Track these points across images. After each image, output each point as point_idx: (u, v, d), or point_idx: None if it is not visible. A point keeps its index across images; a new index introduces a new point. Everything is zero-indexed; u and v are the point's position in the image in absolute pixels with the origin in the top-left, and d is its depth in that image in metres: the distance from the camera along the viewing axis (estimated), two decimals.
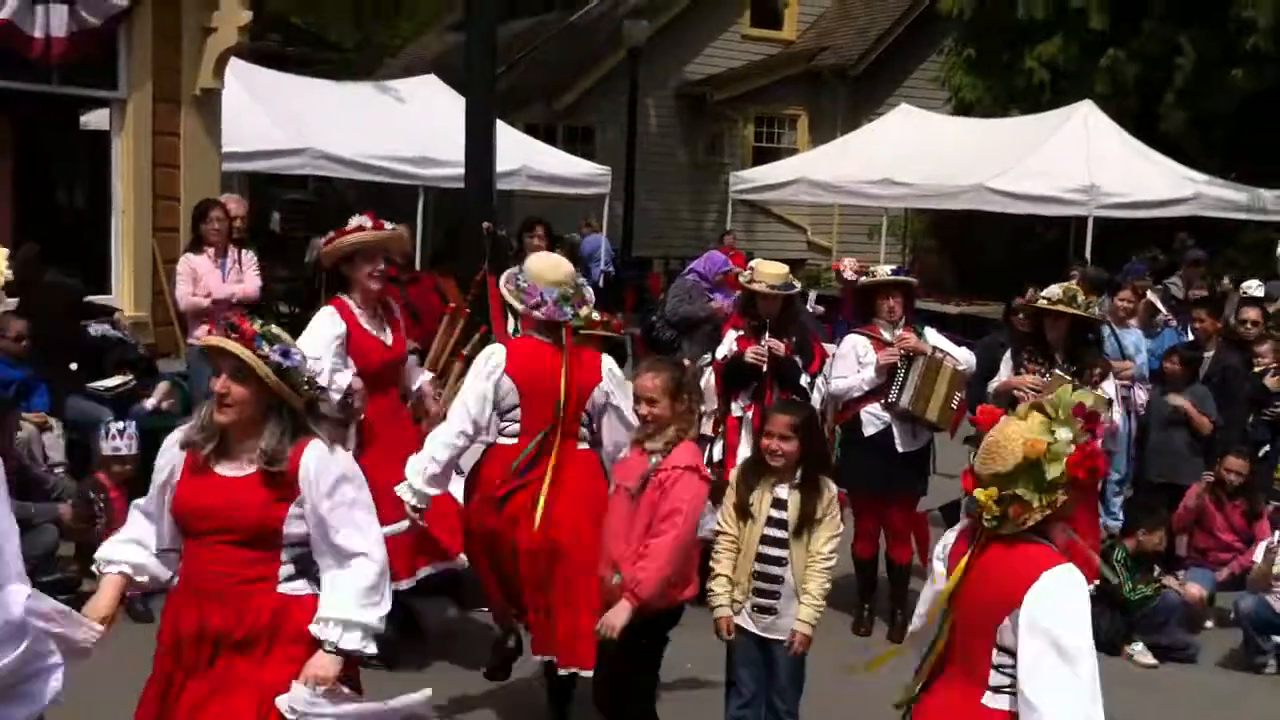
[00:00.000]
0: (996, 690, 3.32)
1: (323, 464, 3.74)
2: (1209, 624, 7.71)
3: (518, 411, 5.21)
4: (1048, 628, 3.16)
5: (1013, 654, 3.23)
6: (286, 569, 3.78)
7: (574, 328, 5.45)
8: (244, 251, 9.08)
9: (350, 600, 3.73)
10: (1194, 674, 7.18)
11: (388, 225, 5.95)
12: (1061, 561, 3.24)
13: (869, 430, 7.29)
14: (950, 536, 3.62)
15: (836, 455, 7.47)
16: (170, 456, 3.89)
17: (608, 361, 5.39)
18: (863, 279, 7.55)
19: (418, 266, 13.83)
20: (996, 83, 21.08)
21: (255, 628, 3.71)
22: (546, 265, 5.41)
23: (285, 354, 3.74)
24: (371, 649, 3.79)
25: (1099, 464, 3.33)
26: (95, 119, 9.77)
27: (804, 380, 7.36)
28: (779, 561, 4.89)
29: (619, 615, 4.64)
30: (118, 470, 7.06)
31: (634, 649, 4.79)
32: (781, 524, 4.89)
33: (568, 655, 5.09)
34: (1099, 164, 15.97)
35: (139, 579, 3.92)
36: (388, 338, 5.91)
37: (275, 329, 3.82)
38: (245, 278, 8.92)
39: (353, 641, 3.72)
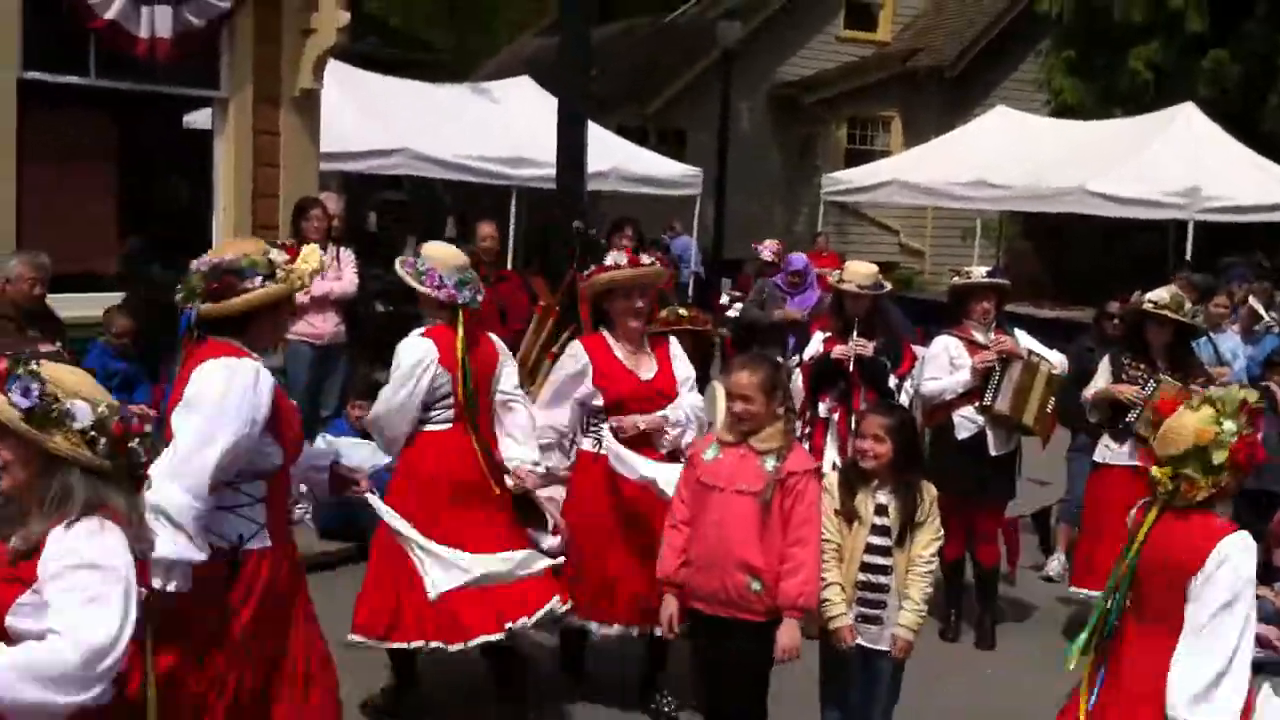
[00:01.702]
0: None
1: (59, 548, 2.94)
2: None
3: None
4: (1223, 585, 3.64)
5: None
6: None
7: (667, 320, 5.72)
8: (342, 249, 9.23)
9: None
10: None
11: (644, 260, 5.85)
12: (1235, 529, 3.76)
13: (962, 434, 7.23)
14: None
15: (926, 457, 7.40)
16: None
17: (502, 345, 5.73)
18: (956, 279, 7.49)
19: (509, 265, 13.98)
20: (1098, 84, 20.77)
21: None
22: (445, 252, 5.61)
23: (25, 392, 2.96)
24: None
25: (1258, 453, 3.82)
26: (198, 118, 9.95)
27: (892, 382, 7.32)
28: (884, 570, 4.80)
29: (792, 634, 4.58)
30: None
31: (751, 666, 4.74)
32: (885, 530, 4.82)
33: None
34: (1200, 167, 15.67)
35: None
36: (647, 371, 5.82)
37: (35, 366, 3.03)
38: (343, 275, 9.08)
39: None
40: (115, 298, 8.70)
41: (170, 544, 3.52)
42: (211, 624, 3.74)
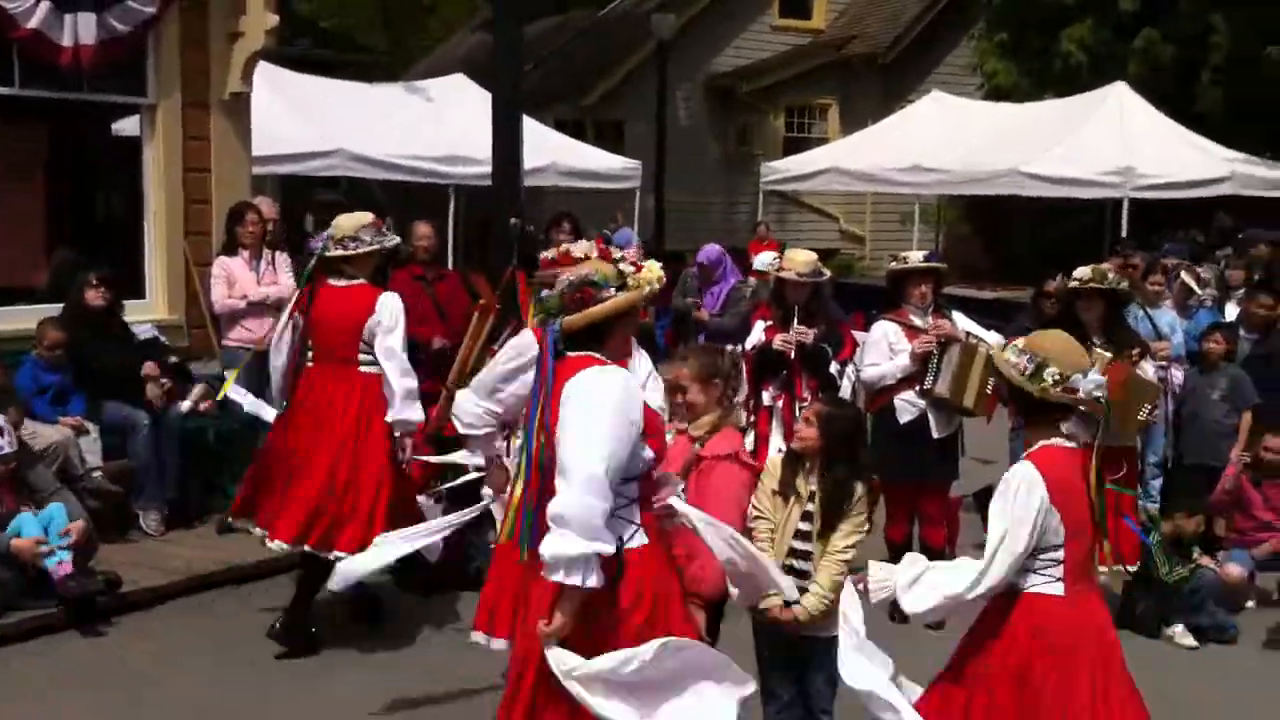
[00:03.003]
0: None
1: None
2: (1250, 604, 7.63)
3: None
4: None
5: None
6: None
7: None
8: (277, 253, 9.15)
9: None
10: (1235, 655, 7.12)
11: (614, 253, 5.72)
12: None
13: (904, 418, 7.27)
14: None
15: (869, 443, 7.43)
16: None
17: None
18: (893, 264, 7.53)
19: (450, 264, 13.91)
20: (1031, 66, 20.95)
21: None
22: (352, 216, 6.44)
23: None
24: None
25: None
26: (126, 125, 9.83)
27: (833, 368, 7.35)
28: (807, 555, 4.77)
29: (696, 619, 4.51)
30: None
31: None
32: (811, 515, 4.80)
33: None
34: (1133, 146, 15.87)
35: None
36: None
37: None
38: (279, 279, 8.99)
39: None
40: (46, 310, 8.56)
41: (579, 544, 3.64)
42: (606, 623, 3.83)
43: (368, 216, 6.54)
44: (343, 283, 6.40)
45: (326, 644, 6.49)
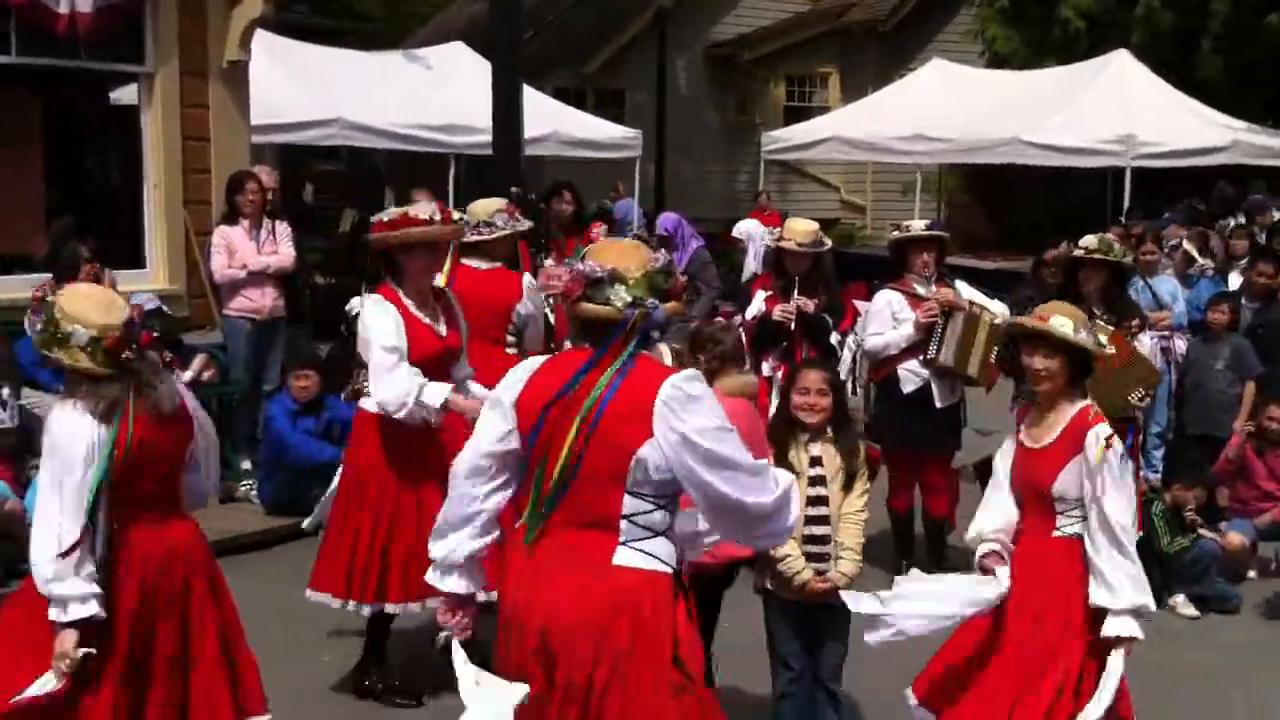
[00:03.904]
0: None
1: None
2: (1251, 574, 7.65)
3: None
4: None
5: None
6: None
7: None
8: (277, 223, 9.12)
9: (41, 569, 3.78)
10: (1237, 624, 7.13)
11: (455, 215, 5.67)
12: None
13: (907, 387, 7.26)
14: None
15: (871, 412, 7.44)
16: None
17: None
18: (895, 233, 7.51)
19: None
20: (1031, 34, 20.84)
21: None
22: (486, 201, 6.63)
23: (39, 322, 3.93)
24: (85, 612, 3.78)
25: None
26: (124, 94, 9.77)
27: (834, 338, 7.34)
28: (824, 520, 4.81)
29: None
30: None
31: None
32: (820, 480, 4.83)
33: None
34: (1135, 113, 15.81)
35: None
36: (441, 328, 5.57)
37: (53, 297, 4.01)
38: (279, 249, 8.96)
39: (63, 614, 3.77)
40: (46, 278, 8.53)
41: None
42: None
43: (500, 201, 6.66)
44: (484, 265, 6.49)
45: (332, 616, 6.46)
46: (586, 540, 3.45)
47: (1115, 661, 4.16)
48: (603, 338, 3.47)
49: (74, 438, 3.79)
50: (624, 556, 3.44)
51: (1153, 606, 4.30)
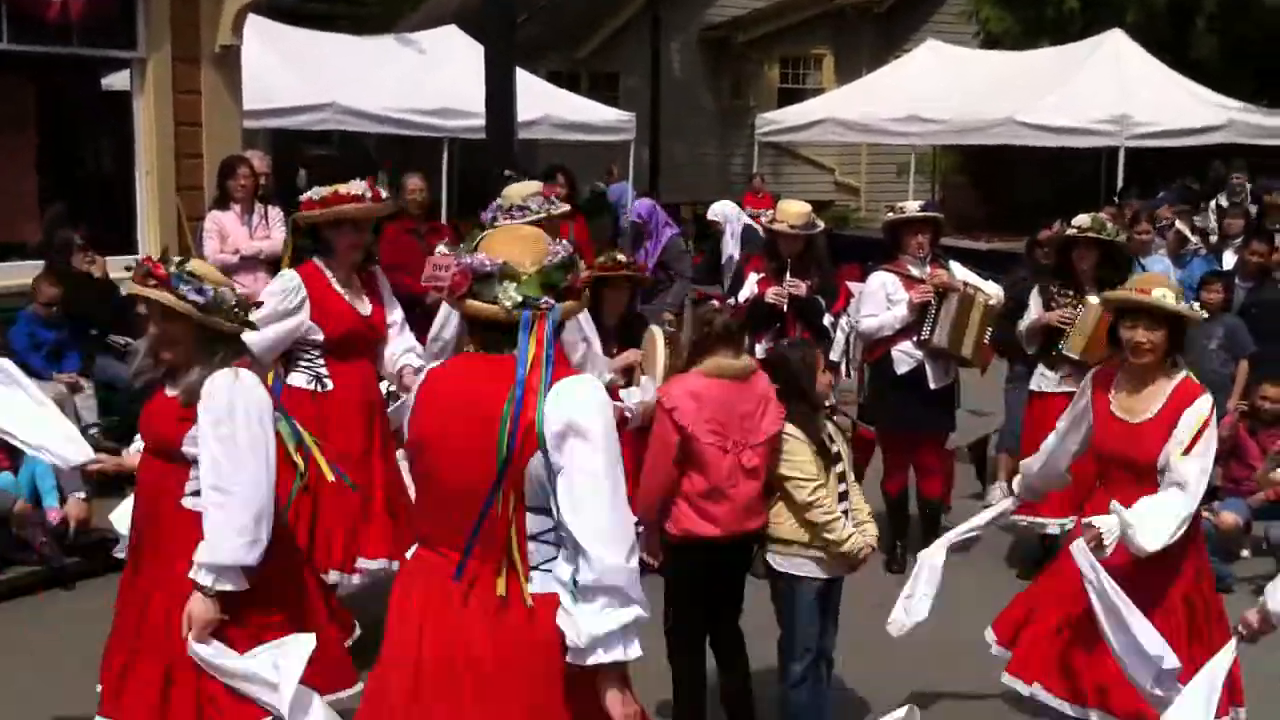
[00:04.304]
0: None
1: (217, 392, 3.87)
2: (1245, 553, 7.66)
3: None
4: None
5: None
6: (192, 484, 3.93)
7: (605, 266, 6.12)
8: (270, 207, 9.10)
9: (216, 543, 3.81)
10: (1230, 604, 7.12)
11: (384, 195, 5.64)
12: None
13: (901, 369, 7.27)
14: None
15: (866, 393, 7.46)
16: None
17: None
18: (890, 214, 7.51)
19: (443, 217, 13.85)
20: (1025, 14, 20.81)
21: (158, 535, 3.99)
22: (521, 185, 6.14)
23: (200, 291, 3.91)
24: (243, 585, 3.84)
25: None
26: (116, 80, 9.75)
27: (827, 320, 7.35)
28: (845, 496, 4.94)
29: None
30: None
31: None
32: (839, 457, 4.97)
33: None
34: (1130, 93, 15.80)
35: None
36: (364, 306, 5.60)
37: (191, 267, 3.99)
38: (272, 233, 8.94)
39: (224, 584, 3.81)
40: (39, 266, 8.54)
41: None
42: None
43: (536, 185, 6.38)
44: None
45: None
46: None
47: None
48: (491, 340, 3.09)
49: None
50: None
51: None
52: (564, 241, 3.19)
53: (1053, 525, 6.98)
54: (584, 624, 2.93)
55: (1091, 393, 4.75)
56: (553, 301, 3.06)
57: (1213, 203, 14.13)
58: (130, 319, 8.51)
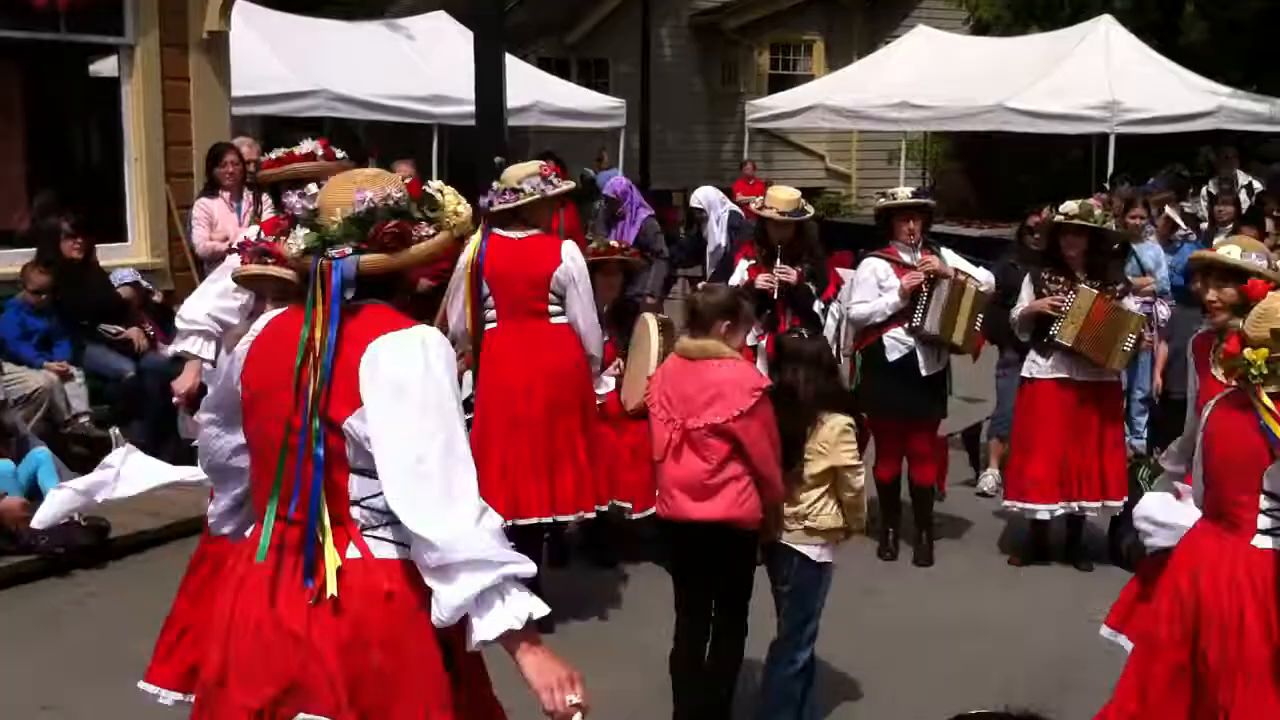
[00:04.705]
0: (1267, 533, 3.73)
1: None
2: None
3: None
4: None
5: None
6: None
7: (597, 251, 6.26)
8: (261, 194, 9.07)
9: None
10: None
11: (338, 154, 5.35)
12: None
13: (893, 355, 7.26)
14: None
15: (858, 381, 7.47)
16: None
17: None
18: (881, 201, 7.50)
19: None
20: (1015, 0, 20.80)
21: None
22: (520, 166, 6.10)
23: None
24: None
25: None
26: (104, 67, 9.71)
27: (817, 307, 7.34)
28: None
29: None
30: None
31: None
32: None
33: None
34: (1119, 79, 15.79)
35: None
36: None
37: None
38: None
39: None
40: (28, 254, 8.50)
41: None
42: None
43: (534, 166, 6.22)
44: (517, 234, 6.07)
45: None
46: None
47: None
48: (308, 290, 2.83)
49: None
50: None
51: None
52: (393, 189, 2.87)
53: (1042, 510, 7.03)
54: (444, 598, 2.66)
55: (1195, 361, 4.75)
56: (348, 251, 2.79)
57: (1203, 189, 14.13)
58: (121, 307, 8.53)
